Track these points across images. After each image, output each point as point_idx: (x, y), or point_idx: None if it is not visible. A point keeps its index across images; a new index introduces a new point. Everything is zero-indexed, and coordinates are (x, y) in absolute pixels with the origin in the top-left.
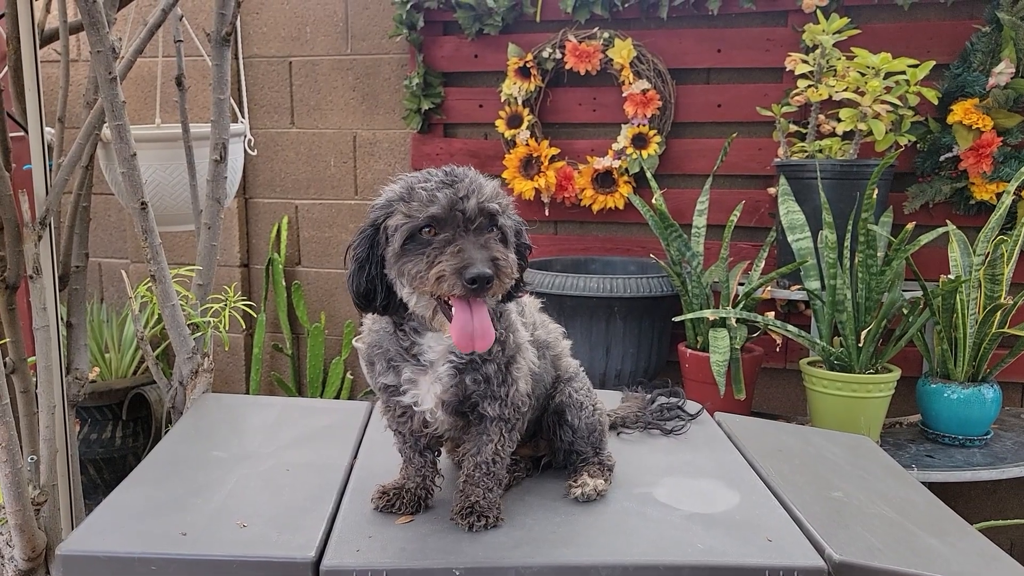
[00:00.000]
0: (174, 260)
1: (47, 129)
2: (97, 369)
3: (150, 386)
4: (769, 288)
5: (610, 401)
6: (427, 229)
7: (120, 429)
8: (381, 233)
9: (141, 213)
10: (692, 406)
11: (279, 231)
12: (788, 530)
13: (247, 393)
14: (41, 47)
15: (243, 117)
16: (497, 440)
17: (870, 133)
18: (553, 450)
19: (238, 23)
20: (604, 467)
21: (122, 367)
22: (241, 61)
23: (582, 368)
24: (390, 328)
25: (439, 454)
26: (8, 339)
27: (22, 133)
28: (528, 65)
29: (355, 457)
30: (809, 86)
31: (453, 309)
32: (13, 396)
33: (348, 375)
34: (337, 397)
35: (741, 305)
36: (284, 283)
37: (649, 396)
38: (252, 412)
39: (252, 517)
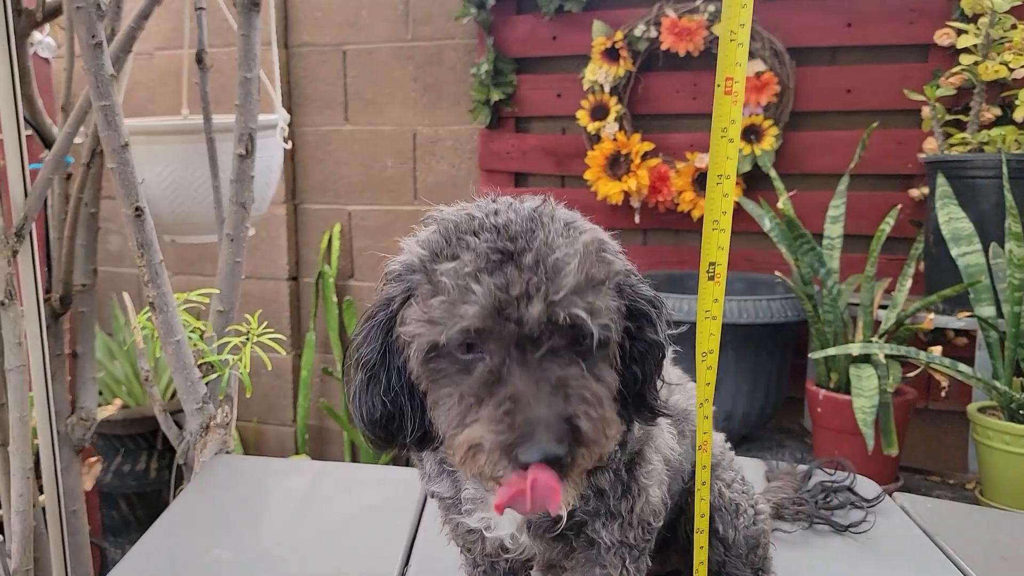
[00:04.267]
0: (200, 274)
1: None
2: (119, 401)
3: None
4: (931, 315)
5: None
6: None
7: (155, 460)
8: (398, 324)
9: (135, 221)
10: (867, 486)
11: (330, 240)
12: None
13: (294, 420)
14: (42, 23)
15: (278, 104)
16: (618, 574)
17: None
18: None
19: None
20: None
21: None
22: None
23: (729, 447)
24: None
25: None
26: None
27: None
28: (617, 46)
29: (406, 564)
30: (977, 62)
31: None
32: None
33: None
34: None
35: (887, 336)
36: (335, 299)
37: (803, 470)
38: (275, 484)
39: None
